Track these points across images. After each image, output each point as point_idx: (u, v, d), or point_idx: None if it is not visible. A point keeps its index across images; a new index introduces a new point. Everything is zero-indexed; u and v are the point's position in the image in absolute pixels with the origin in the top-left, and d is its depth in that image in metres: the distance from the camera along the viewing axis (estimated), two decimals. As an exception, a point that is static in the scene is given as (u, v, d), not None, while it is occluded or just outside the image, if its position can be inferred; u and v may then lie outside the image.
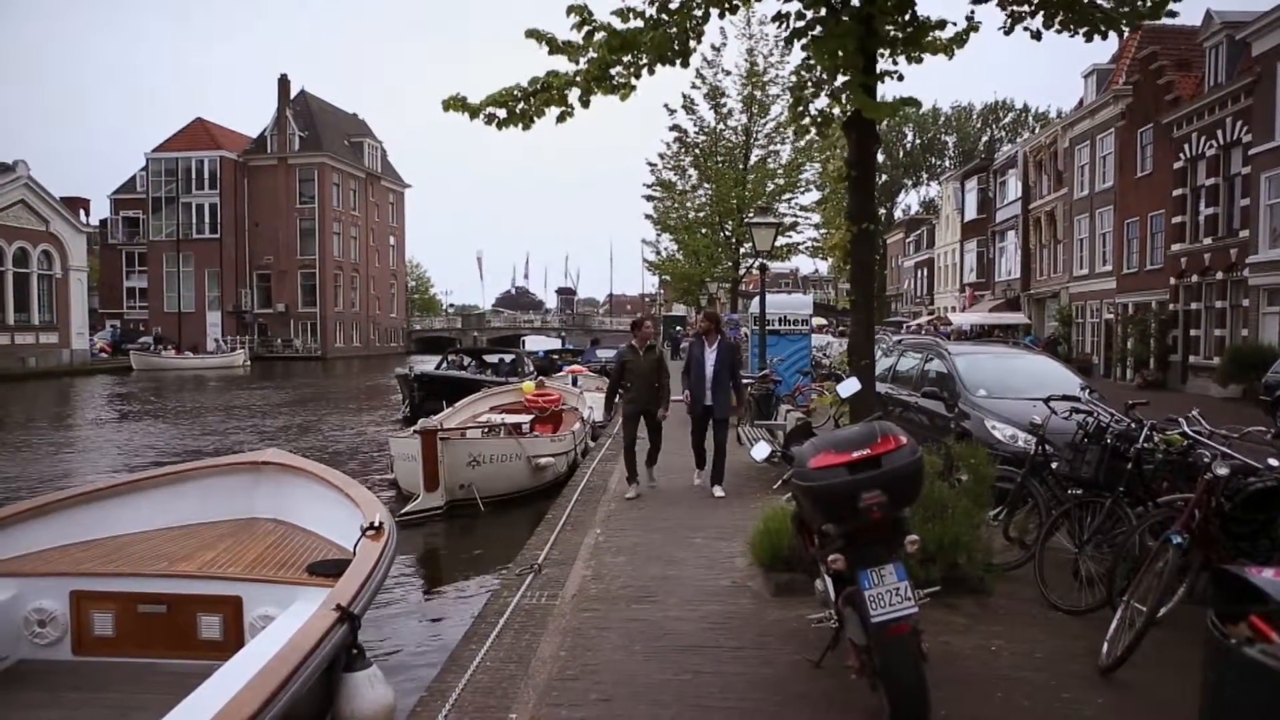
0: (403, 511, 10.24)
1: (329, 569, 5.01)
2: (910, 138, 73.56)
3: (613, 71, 5.96)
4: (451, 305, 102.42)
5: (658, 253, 32.38)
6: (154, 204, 62.57)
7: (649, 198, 27.34)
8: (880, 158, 71.42)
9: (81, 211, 52.05)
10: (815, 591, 4.62)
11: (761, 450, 5.68)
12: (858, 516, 3.71)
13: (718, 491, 9.40)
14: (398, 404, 24.94)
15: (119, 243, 64.82)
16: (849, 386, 5.59)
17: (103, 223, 65.32)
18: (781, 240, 22.11)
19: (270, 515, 6.57)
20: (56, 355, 44.19)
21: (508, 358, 27.22)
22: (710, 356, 9.40)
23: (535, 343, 49.67)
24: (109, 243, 64.94)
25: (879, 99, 5.88)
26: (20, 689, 4.82)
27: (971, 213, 48.68)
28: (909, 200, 78.00)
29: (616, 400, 9.90)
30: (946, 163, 71.17)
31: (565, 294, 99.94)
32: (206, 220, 62.44)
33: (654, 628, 5.43)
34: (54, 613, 5.16)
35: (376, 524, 5.24)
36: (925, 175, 74.48)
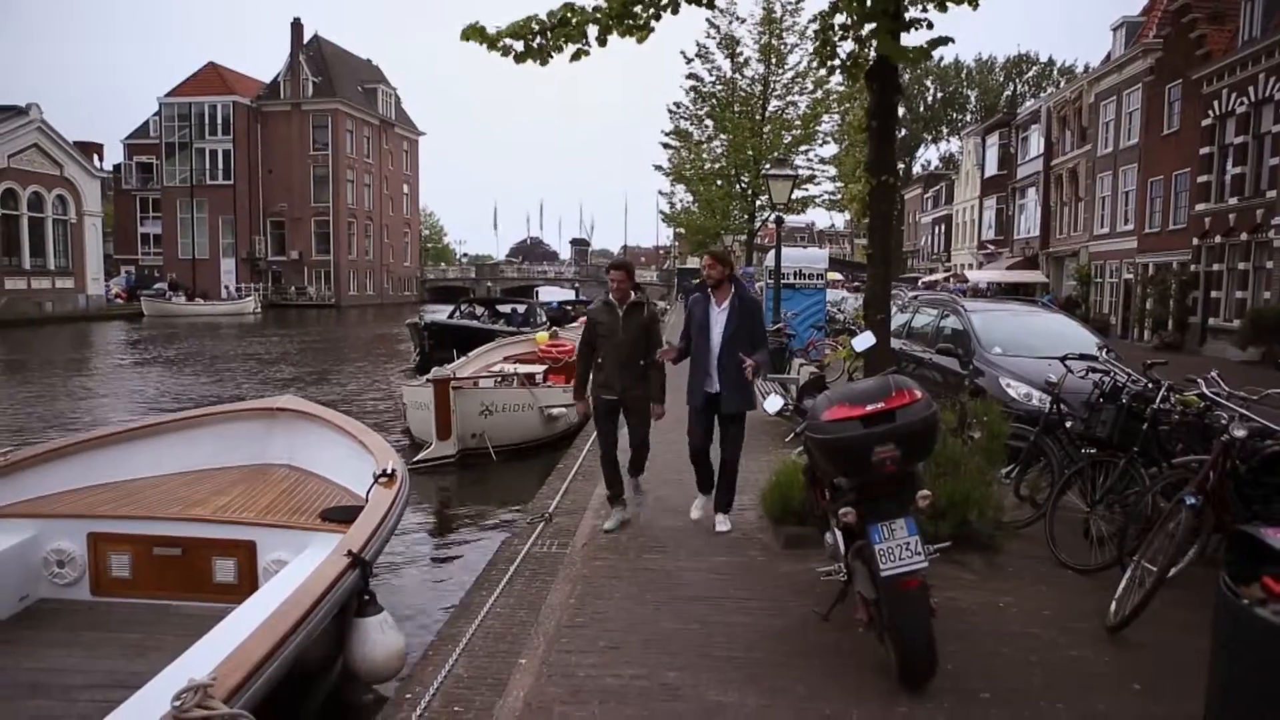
0: (415, 459, 10.31)
1: (341, 515, 5.06)
2: (931, 91, 72.39)
3: (635, 9, 5.82)
4: (465, 255, 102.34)
5: (672, 205, 32.17)
6: (167, 149, 62.34)
7: (666, 145, 27.04)
8: (900, 111, 70.68)
9: (95, 156, 51.93)
10: (825, 545, 4.64)
11: (774, 403, 5.65)
12: (870, 470, 3.70)
13: (722, 524, 6.41)
14: (409, 353, 25.01)
15: (133, 188, 64.74)
16: (863, 341, 5.55)
17: (116, 168, 65.15)
18: (798, 193, 21.87)
19: (284, 461, 6.62)
20: (72, 300, 44.44)
21: (521, 308, 27.22)
22: (718, 319, 6.17)
23: (549, 293, 49.65)
24: (123, 188, 64.87)
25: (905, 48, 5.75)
26: (41, 627, 4.92)
27: (992, 169, 48.02)
28: (928, 155, 77.01)
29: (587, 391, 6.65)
30: (968, 117, 70.08)
31: (580, 245, 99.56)
32: (220, 166, 62.23)
33: (664, 578, 5.47)
34: (72, 554, 5.24)
35: (389, 471, 5.27)
36: (945, 130, 73.42)
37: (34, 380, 20.90)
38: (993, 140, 48.12)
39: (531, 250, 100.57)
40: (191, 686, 2.86)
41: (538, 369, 14.10)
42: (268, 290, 59.19)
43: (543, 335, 17.51)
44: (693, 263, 65.29)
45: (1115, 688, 4.04)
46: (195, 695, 2.83)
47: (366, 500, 5.04)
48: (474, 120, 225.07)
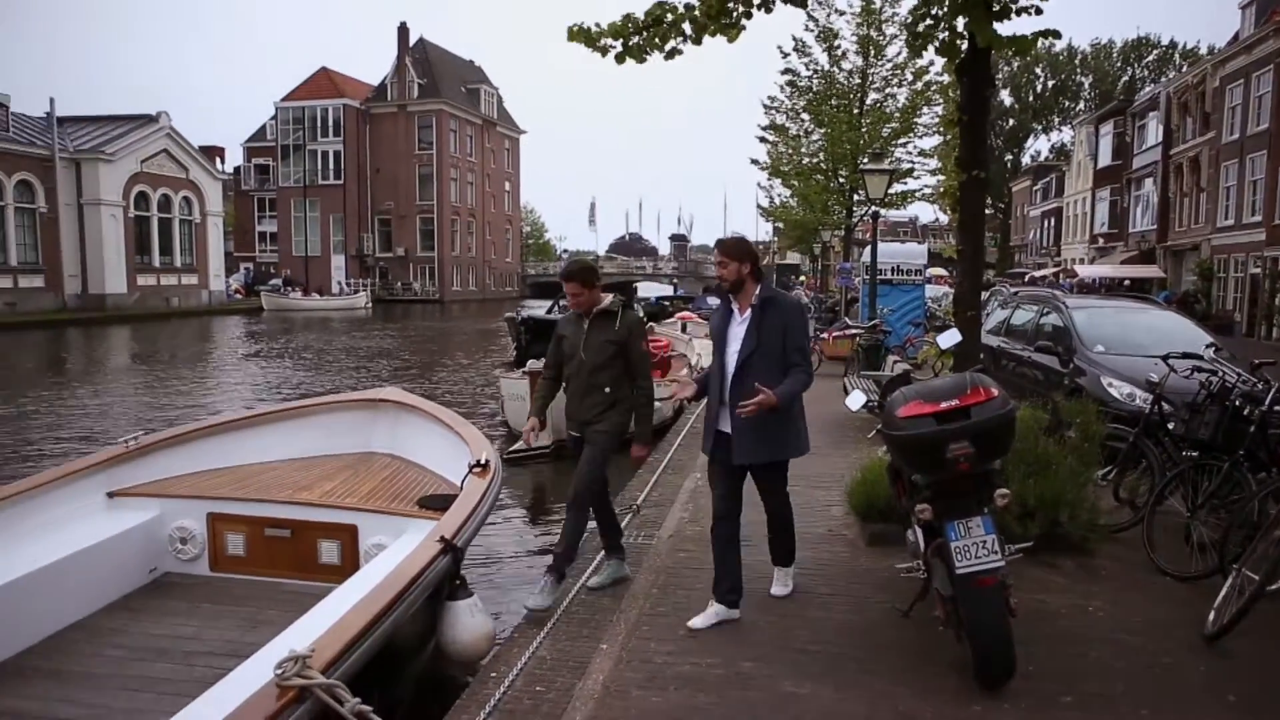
0: (510, 450, 10.59)
1: (437, 503, 5.29)
2: (1042, 79, 69.73)
3: (728, 6, 5.87)
4: (565, 251, 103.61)
5: (771, 199, 31.97)
6: (283, 151, 65.16)
7: (762, 139, 26.90)
8: (1008, 101, 68.53)
9: (217, 159, 54.78)
10: (907, 542, 4.64)
11: (856, 399, 5.64)
12: (945, 467, 3.70)
13: (779, 585, 5.16)
14: (507, 346, 25.58)
15: (251, 189, 67.90)
16: (949, 338, 5.50)
17: (236, 170, 68.48)
18: (897, 187, 21.49)
19: (386, 450, 6.93)
20: (196, 296, 46.95)
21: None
22: (736, 332, 4.62)
23: (648, 289, 49.94)
24: (242, 189, 68.12)
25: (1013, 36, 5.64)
26: (166, 597, 5.32)
27: (1106, 159, 46.07)
28: (1038, 146, 74.33)
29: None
30: (1081, 106, 67.25)
31: (679, 240, 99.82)
32: (331, 167, 64.69)
33: (747, 570, 5.48)
34: (193, 532, 5.64)
35: (483, 461, 5.48)
36: (1057, 119, 70.62)
37: (161, 371, 22.24)
38: (1107, 129, 46.15)
39: (630, 246, 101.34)
40: (292, 657, 3.08)
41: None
42: (375, 286, 61.26)
43: (638, 331, 17.67)
44: (793, 258, 64.70)
45: (1208, 699, 3.92)
46: (295, 665, 3.04)
47: (461, 489, 5.26)
48: (574, 118, 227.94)
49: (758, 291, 4.60)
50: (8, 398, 16.97)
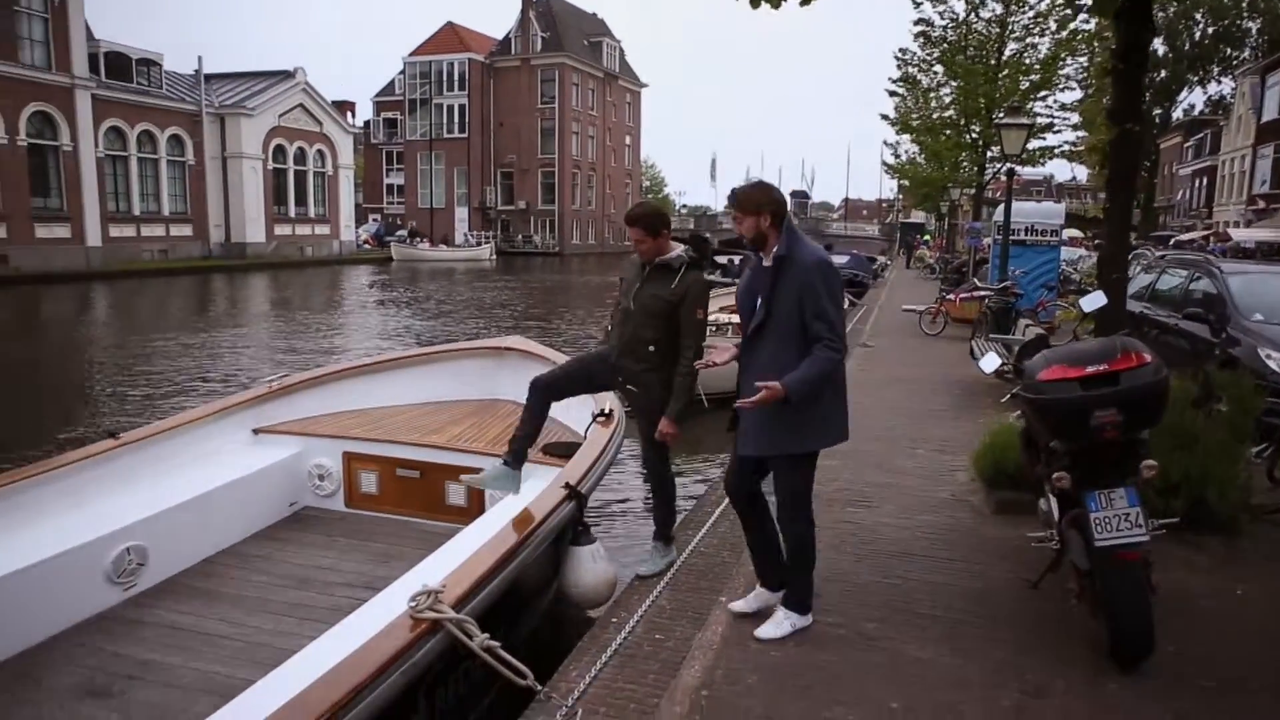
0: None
1: (561, 450, 5.40)
2: (1201, 25, 64.68)
3: None
4: (684, 206, 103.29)
5: (897, 155, 30.98)
6: (410, 106, 66.84)
7: (892, 93, 26.00)
8: (1161, 50, 63.82)
9: (349, 114, 56.62)
10: (1038, 511, 4.48)
11: (990, 362, 5.44)
12: (1088, 435, 3.54)
13: (771, 625, 4.03)
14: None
15: (380, 142, 70.05)
16: (1093, 301, 5.23)
17: (366, 124, 70.71)
18: (1034, 143, 20.45)
19: (511, 398, 7.10)
20: (328, 246, 48.94)
21: (737, 259, 27.30)
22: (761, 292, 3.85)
23: (765, 246, 49.24)
24: (371, 142, 70.35)
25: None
26: (304, 530, 5.63)
27: (1272, 112, 42.61)
28: (1192, 99, 69.21)
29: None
30: (1246, 54, 62.14)
31: (799, 197, 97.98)
32: (456, 120, 66.03)
33: (866, 531, 5.47)
34: (330, 469, 5.94)
35: (606, 411, 5.56)
36: (1216, 69, 65.56)
37: (295, 316, 23.35)
38: (1275, 79, 42.62)
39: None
40: (425, 591, 3.23)
41: (751, 320, 14.17)
42: (496, 238, 62.50)
43: (756, 287, 17.47)
44: (917, 216, 62.71)
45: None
46: (428, 599, 3.19)
47: (584, 437, 5.36)
48: (697, 73, 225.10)
49: (781, 247, 3.77)
50: (161, 339, 18.17)
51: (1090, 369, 3.58)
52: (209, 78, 43.05)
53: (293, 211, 46.74)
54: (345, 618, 3.61)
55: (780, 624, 4.03)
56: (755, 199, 3.82)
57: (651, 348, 4.48)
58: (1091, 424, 3.50)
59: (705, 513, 5.72)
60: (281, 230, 45.64)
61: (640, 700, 3.46)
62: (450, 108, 66.01)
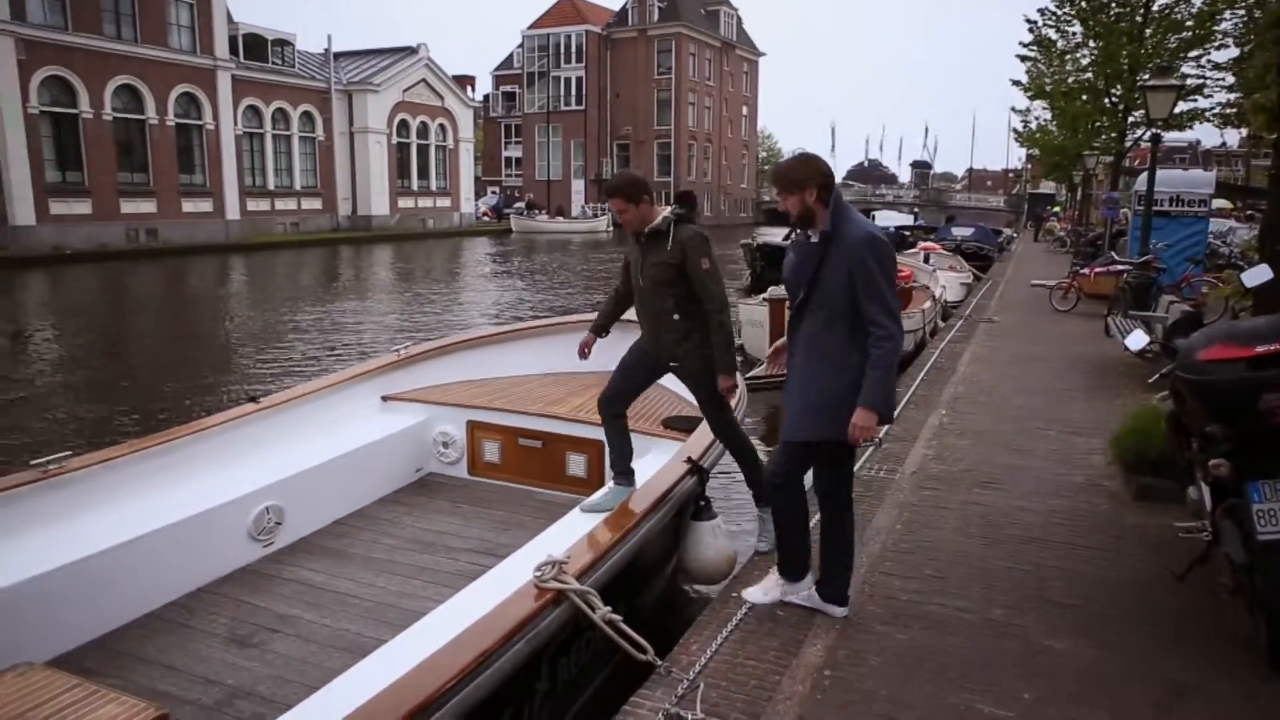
0: (748, 376, 10.61)
1: (683, 424, 5.38)
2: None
3: None
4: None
5: (1027, 123, 29.60)
6: (528, 79, 67.59)
7: (1023, 58, 24.77)
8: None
9: (469, 88, 57.66)
10: (1186, 499, 4.21)
11: (1137, 339, 5.12)
12: (1254, 419, 3.28)
13: (760, 592, 4.05)
14: (743, 273, 25.56)
15: (498, 116, 71.14)
16: (1257, 275, 4.85)
17: (485, 98, 71.88)
18: (1182, 106, 19.13)
19: None
20: (449, 218, 50.16)
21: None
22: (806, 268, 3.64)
23: (885, 218, 48.11)
24: (490, 116, 71.51)
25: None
26: (429, 496, 5.80)
27: None
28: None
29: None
30: None
31: (920, 168, 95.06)
32: (573, 93, 66.45)
33: (996, 514, 5.27)
34: (454, 437, 6.09)
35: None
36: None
37: (420, 288, 24.07)
38: None
39: (869, 173, 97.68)
40: (550, 561, 3.28)
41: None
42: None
43: (877, 260, 17.05)
44: (1046, 187, 59.90)
45: None
46: (553, 569, 3.23)
47: None
48: (815, 40, 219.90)
49: (827, 225, 3.52)
50: (293, 308, 19.03)
51: (1260, 348, 3.31)
52: (337, 56, 44.51)
53: (415, 185, 48.05)
54: (469, 583, 3.69)
55: (769, 591, 3.99)
56: (797, 174, 3.56)
57: (676, 315, 4.28)
58: (1259, 407, 3.25)
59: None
60: (405, 203, 47.01)
61: (760, 677, 3.43)
62: (567, 80, 66.50)
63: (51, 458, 4.27)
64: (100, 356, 14.08)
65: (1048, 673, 3.50)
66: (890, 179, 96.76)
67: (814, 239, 3.57)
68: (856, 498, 5.46)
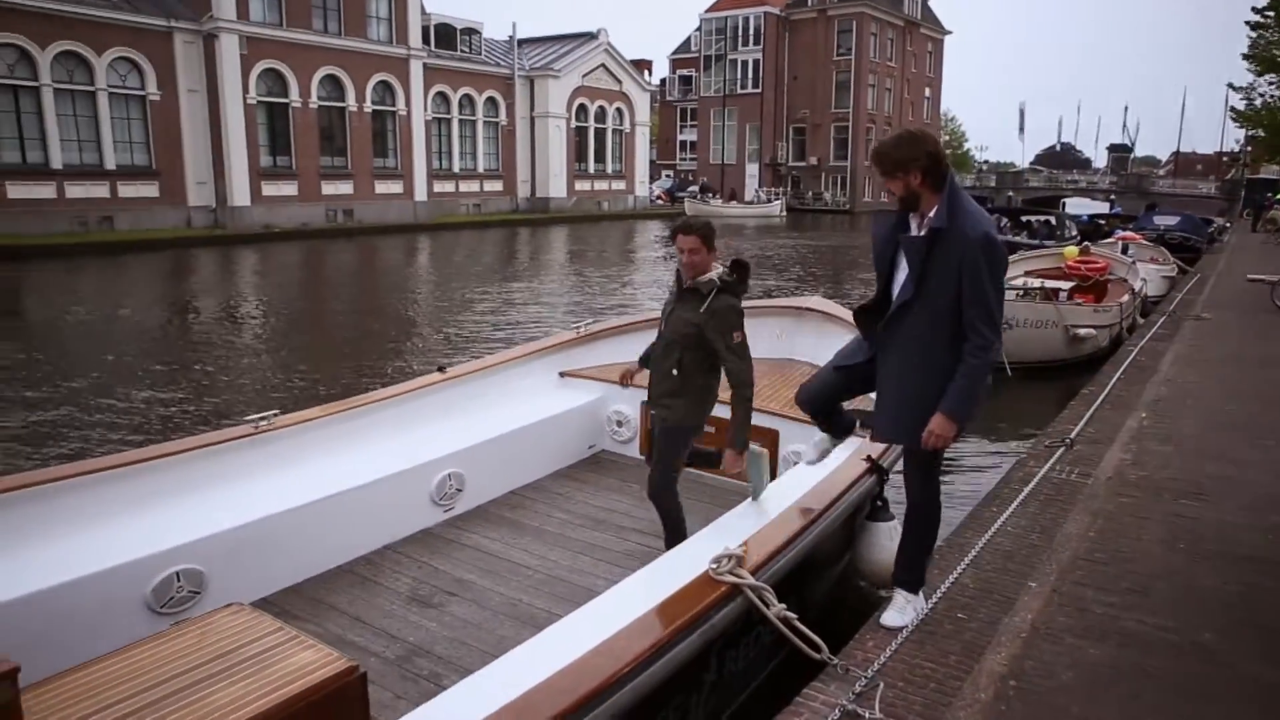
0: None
1: (862, 419, 5.23)
2: None
3: None
4: (985, 162, 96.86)
5: (1249, 100, 26.97)
6: (705, 62, 67.50)
7: (1256, 25, 22.55)
8: None
9: (646, 72, 58.10)
10: None
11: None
12: None
13: (894, 613, 3.71)
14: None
15: (675, 100, 71.48)
16: None
17: (662, 82, 72.35)
18: None
19: (807, 359, 6.99)
20: (623, 201, 50.91)
21: (1047, 219, 25.19)
22: (901, 263, 3.40)
23: (1076, 205, 45.15)
24: (666, 100, 71.94)
25: None
26: (601, 473, 5.91)
27: None
28: None
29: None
30: None
31: (1118, 151, 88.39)
32: (750, 75, 65.87)
33: (1205, 528, 4.84)
34: (628, 416, 6.17)
35: None
36: None
37: (592, 267, 24.57)
38: None
39: (1061, 157, 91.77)
40: (727, 554, 3.25)
41: (1063, 285, 13.06)
42: (786, 194, 61.98)
43: (1071, 249, 16.03)
44: (1268, 172, 54.56)
45: None
46: (729, 562, 3.21)
47: None
48: (1006, 14, 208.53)
49: (941, 208, 3.17)
50: (474, 285, 19.85)
51: None
52: (521, 42, 45.95)
53: (592, 168, 49.04)
54: (639, 564, 3.73)
55: (903, 610, 3.68)
56: (898, 156, 3.21)
57: (675, 370, 4.17)
58: None
59: (1012, 490, 5.34)
60: (581, 186, 48.08)
61: (940, 681, 3.30)
62: (744, 63, 65.95)
63: (262, 415, 4.62)
64: (302, 325, 15.18)
65: (1259, 709, 3.19)
66: (1084, 163, 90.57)
67: (918, 229, 3.27)
68: (1045, 500, 5.21)
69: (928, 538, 3.65)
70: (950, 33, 74.14)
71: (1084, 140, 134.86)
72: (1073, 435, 6.48)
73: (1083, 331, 11.09)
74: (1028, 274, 15.63)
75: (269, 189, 32.36)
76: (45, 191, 26.94)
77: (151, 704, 2.51)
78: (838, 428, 3.96)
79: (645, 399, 5.73)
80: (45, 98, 26.78)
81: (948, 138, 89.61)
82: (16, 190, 26.24)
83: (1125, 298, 13.16)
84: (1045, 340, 10.94)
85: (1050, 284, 12.96)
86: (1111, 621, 3.77)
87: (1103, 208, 47.56)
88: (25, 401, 9.43)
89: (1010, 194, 65.23)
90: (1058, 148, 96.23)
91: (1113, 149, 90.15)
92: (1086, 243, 19.34)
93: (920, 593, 3.77)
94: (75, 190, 27.58)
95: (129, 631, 3.37)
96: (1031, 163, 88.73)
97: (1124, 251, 18.55)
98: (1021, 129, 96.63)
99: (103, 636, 3.25)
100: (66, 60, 27.20)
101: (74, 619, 3.44)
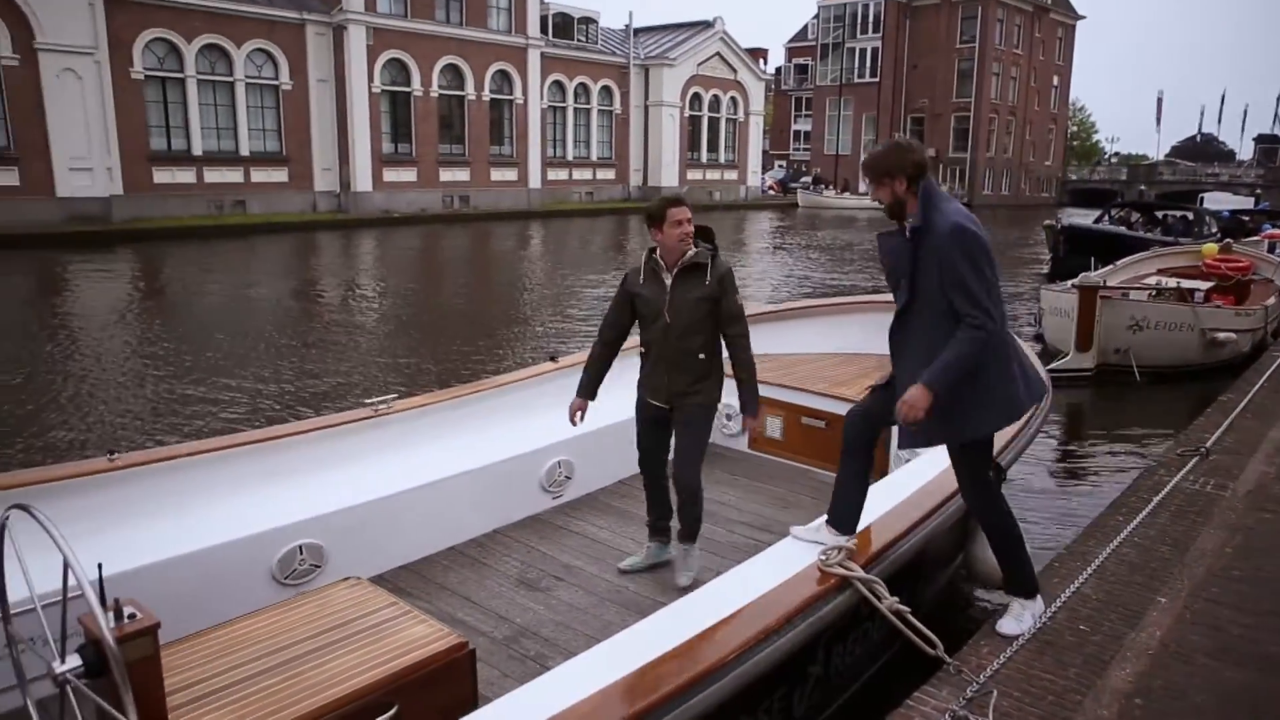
0: (1047, 368, 9.86)
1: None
2: None
3: None
4: (1115, 154, 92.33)
5: None
6: (822, 51, 66.27)
7: None
8: None
9: (760, 61, 57.50)
10: None
11: None
12: None
13: (1016, 623, 3.57)
14: (1041, 257, 23.75)
15: (790, 89, 70.54)
16: None
17: (777, 71, 71.47)
18: None
19: None
20: (735, 190, 50.60)
21: (1184, 215, 23.83)
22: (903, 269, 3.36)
23: (1216, 199, 42.57)
24: (781, 89, 71.08)
25: None
26: (709, 466, 5.81)
27: None
28: None
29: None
30: None
31: (1267, 143, 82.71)
32: (868, 64, 64.37)
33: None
34: (737, 410, 6.09)
35: None
36: None
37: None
38: None
39: (1200, 149, 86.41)
40: (835, 546, 3.20)
41: (1200, 285, 12.33)
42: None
43: (1210, 247, 15.12)
44: None
45: None
46: (839, 554, 3.16)
47: None
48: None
49: (918, 214, 3.27)
50: (584, 272, 20.06)
51: None
52: (636, 31, 46.09)
53: (704, 157, 48.86)
54: (745, 556, 3.70)
55: (1020, 617, 3.58)
56: (884, 163, 3.31)
57: (702, 355, 4.10)
58: None
59: (1140, 499, 5.08)
60: (693, 175, 47.97)
61: (1059, 693, 3.16)
62: (863, 51, 64.48)
63: (381, 399, 4.78)
64: (420, 310, 15.64)
65: None
66: (1227, 156, 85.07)
67: (907, 234, 3.30)
68: (1176, 511, 4.94)
69: (1006, 546, 3.56)
70: (1083, 17, 70.73)
71: (1228, 131, 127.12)
72: (1209, 444, 6.11)
73: (1222, 335, 10.46)
74: (1160, 272, 14.85)
75: (390, 175, 33.46)
76: (187, 177, 28.59)
77: (276, 666, 2.63)
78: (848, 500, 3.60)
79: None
80: (189, 88, 28.40)
81: (1075, 128, 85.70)
82: (162, 175, 27.94)
83: (1270, 300, 12.34)
84: (1178, 343, 10.36)
85: (1186, 284, 12.27)
86: (1252, 645, 3.54)
87: (1247, 203, 44.76)
88: (174, 374, 10.03)
89: (1142, 188, 61.94)
90: (1197, 139, 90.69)
91: (1260, 140, 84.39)
92: (1229, 240, 18.23)
93: (1038, 598, 3.64)
94: (212, 175, 29.17)
95: (255, 599, 3.54)
96: (1167, 155, 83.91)
97: (1271, 250, 17.40)
98: (1158, 119, 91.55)
99: (232, 602, 3.42)
100: (209, 52, 28.77)
101: (207, 584, 3.63)
